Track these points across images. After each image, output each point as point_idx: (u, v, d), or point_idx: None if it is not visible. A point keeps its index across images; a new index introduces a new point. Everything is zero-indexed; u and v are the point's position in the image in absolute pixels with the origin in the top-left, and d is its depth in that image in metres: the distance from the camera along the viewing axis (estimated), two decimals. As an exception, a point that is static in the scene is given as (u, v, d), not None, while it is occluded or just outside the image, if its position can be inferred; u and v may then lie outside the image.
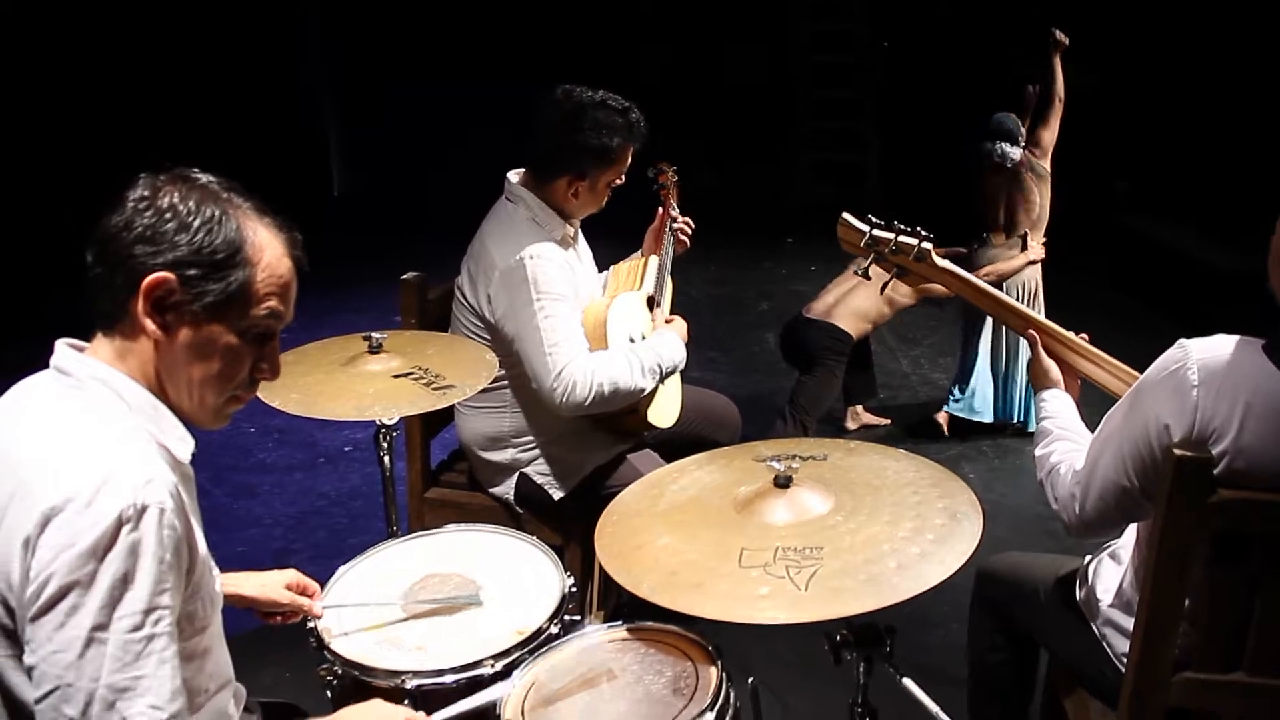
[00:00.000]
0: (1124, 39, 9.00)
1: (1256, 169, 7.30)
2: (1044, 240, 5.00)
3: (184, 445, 1.56)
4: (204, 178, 1.53)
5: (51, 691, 1.33)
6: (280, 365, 1.63)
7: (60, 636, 1.33)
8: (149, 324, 1.46)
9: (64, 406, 1.47)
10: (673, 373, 3.00)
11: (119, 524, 1.34)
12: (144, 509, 1.37)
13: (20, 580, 1.36)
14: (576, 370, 2.73)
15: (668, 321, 3.13)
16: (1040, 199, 4.97)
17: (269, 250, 1.53)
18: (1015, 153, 4.92)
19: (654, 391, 2.94)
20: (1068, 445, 2.16)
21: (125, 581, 1.35)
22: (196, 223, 1.46)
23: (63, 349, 1.53)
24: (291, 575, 2.06)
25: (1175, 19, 8.63)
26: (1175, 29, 8.68)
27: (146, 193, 1.48)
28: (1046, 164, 4.94)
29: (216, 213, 1.48)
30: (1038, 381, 2.35)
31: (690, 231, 3.41)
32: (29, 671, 1.36)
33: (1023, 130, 4.97)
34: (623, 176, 2.96)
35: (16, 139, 7.56)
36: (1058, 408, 2.28)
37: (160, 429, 1.51)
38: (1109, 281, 7.81)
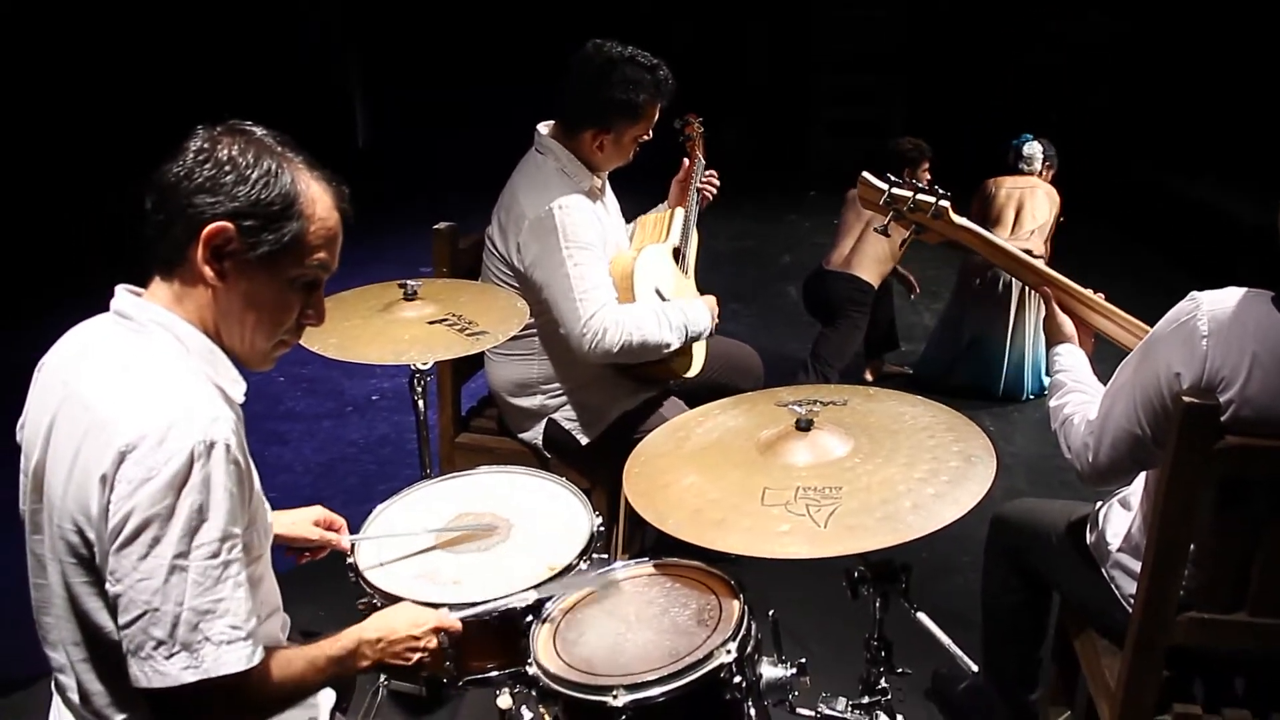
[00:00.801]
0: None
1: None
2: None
3: (237, 387, 1.64)
4: (259, 131, 1.59)
5: (140, 616, 1.43)
6: (325, 312, 1.71)
7: (145, 565, 1.42)
8: (208, 271, 1.53)
9: (129, 349, 1.54)
10: (697, 338, 3.07)
11: (191, 459, 1.43)
12: (212, 445, 1.45)
13: (99, 514, 1.45)
14: (607, 318, 2.80)
15: (701, 298, 3.20)
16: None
17: (320, 203, 1.59)
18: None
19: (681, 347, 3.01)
20: (1081, 397, 2.23)
21: (201, 512, 1.44)
22: (254, 175, 1.53)
23: (123, 294, 1.59)
24: (319, 512, 2.15)
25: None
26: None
27: (205, 144, 1.54)
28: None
29: (273, 166, 1.55)
30: (1052, 336, 2.41)
31: (716, 186, 3.46)
32: (115, 599, 1.45)
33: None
34: (650, 133, 3.01)
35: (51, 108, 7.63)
36: (1071, 362, 2.34)
37: (216, 371, 1.59)
38: (1129, 235, 7.81)
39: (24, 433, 1.63)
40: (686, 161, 3.44)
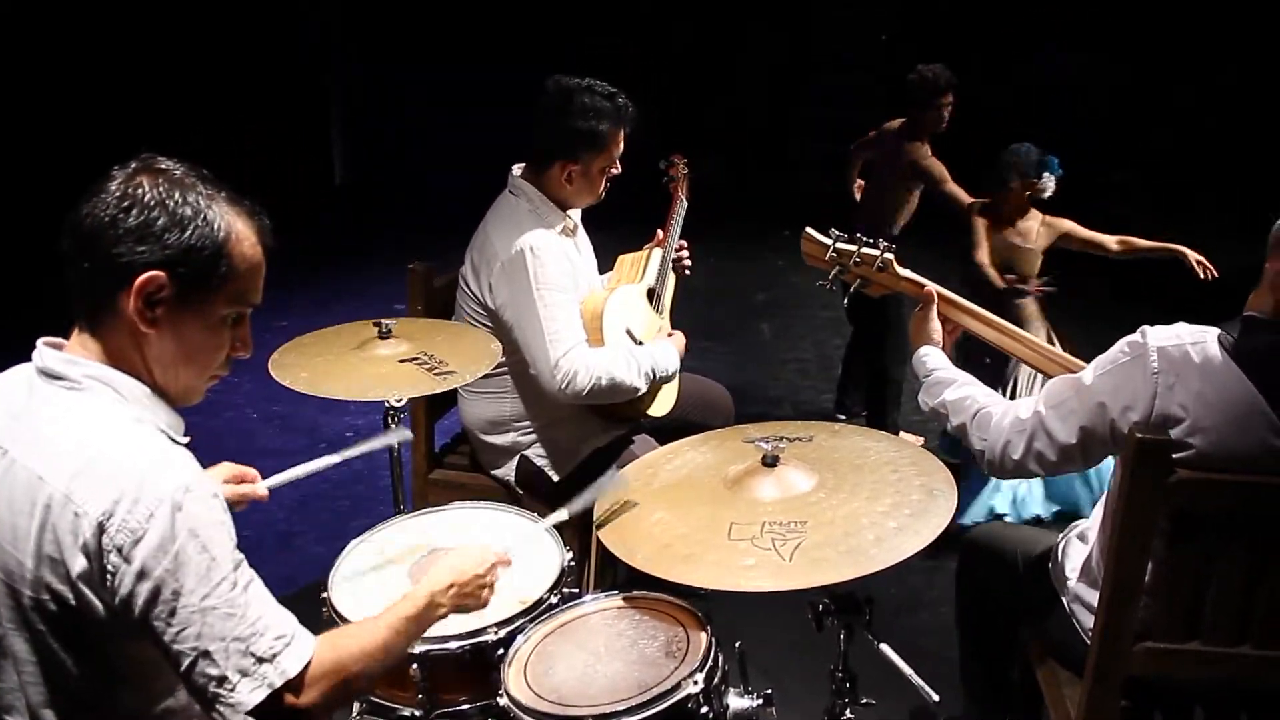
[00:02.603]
0: (1127, 30, 9.10)
1: (1255, 163, 7.42)
2: None
3: (179, 427, 1.62)
4: (179, 169, 1.55)
5: (193, 664, 1.46)
6: (252, 343, 1.69)
7: (177, 619, 1.44)
8: (139, 321, 1.51)
9: (70, 412, 1.51)
10: (667, 380, 3.11)
11: (173, 509, 1.44)
12: (188, 488, 1.46)
13: (95, 582, 1.45)
14: (577, 360, 2.84)
15: (670, 335, 3.24)
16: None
17: (246, 241, 1.57)
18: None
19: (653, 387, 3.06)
20: (982, 392, 2.33)
21: (205, 552, 1.45)
22: (184, 218, 1.50)
23: (46, 351, 1.56)
24: (227, 468, 2.16)
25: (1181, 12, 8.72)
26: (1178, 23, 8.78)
27: (128, 188, 1.50)
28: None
29: (201, 207, 1.52)
30: (919, 338, 2.51)
31: (688, 257, 3.49)
32: (165, 655, 1.47)
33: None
34: (617, 165, 3.04)
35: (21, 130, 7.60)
36: (944, 361, 2.45)
37: (157, 416, 1.57)
38: (1100, 274, 7.89)
39: None
40: (670, 205, 3.47)
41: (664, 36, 11.10)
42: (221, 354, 1.63)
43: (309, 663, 1.53)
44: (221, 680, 1.46)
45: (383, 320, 2.71)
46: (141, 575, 1.43)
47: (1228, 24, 8.76)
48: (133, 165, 1.54)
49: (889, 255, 2.53)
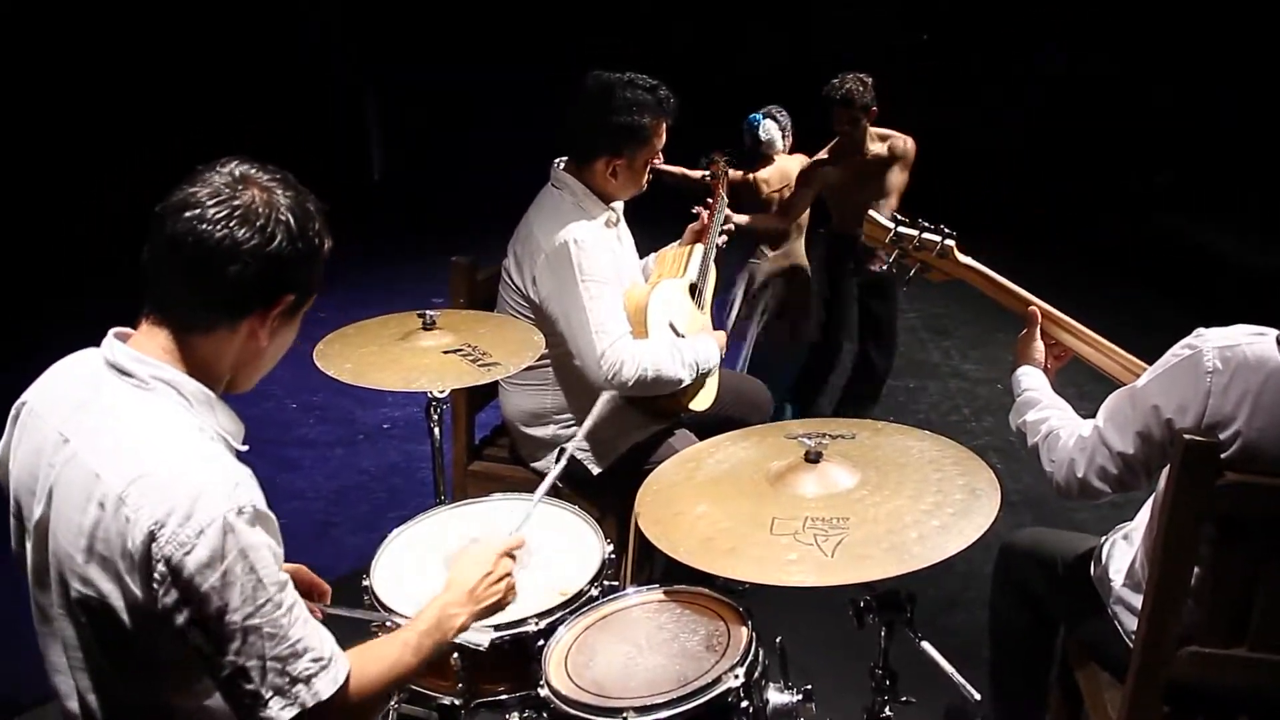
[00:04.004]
0: (1160, 31, 9.04)
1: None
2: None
3: (238, 431, 1.64)
4: (276, 183, 1.58)
5: (230, 676, 1.49)
6: None
7: (219, 635, 1.46)
8: (263, 336, 1.58)
9: (134, 412, 1.52)
10: (707, 373, 3.12)
11: (224, 529, 1.44)
12: (240, 510, 1.47)
13: (139, 589, 1.46)
14: (623, 351, 2.85)
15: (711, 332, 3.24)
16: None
17: (328, 243, 1.64)
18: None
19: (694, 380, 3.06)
20: (1061, 414, 2.31)
21: (252, 572, 1.46)
22: (311, 246, 1.57)
23: (116, 344, 1.57)
24: (300, 572, 2.11)
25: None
26: (1217, 23, 8.71)
27: (251, 210, 1.51)
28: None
29: (321, 235, 1.60)
30: (1021, 357, 2.49)
31: (732, 232, 3.50)
32: (202, 661, 1.49)
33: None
34: (660, 156, 3.05)
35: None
36: (1038, 382, 2.43)
37: (218, 420, 1.59)
38: (1140, 278, 7.85)
39: (11, 477, 1.62)
40: (710, 201, 3.47)
41: (664, 36, 11.12)
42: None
43: (339, 690, 1.55)
44: (255, 696, 1.49)
45: (427, 311, 2.73)
46: (187, 589, 1.44)
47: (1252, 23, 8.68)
48: (236, 173, 1.55)
49: (950, 242, 2.52)
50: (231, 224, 1.49)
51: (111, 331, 1.59)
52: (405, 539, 2.34)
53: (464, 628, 1.84)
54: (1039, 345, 2.47)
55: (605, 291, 2.89)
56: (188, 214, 1.49)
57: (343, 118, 10.19)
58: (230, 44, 8.96)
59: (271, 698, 1.49)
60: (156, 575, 1.44)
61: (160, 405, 1.53)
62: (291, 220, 1.54)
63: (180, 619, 1.46)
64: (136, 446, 1.48)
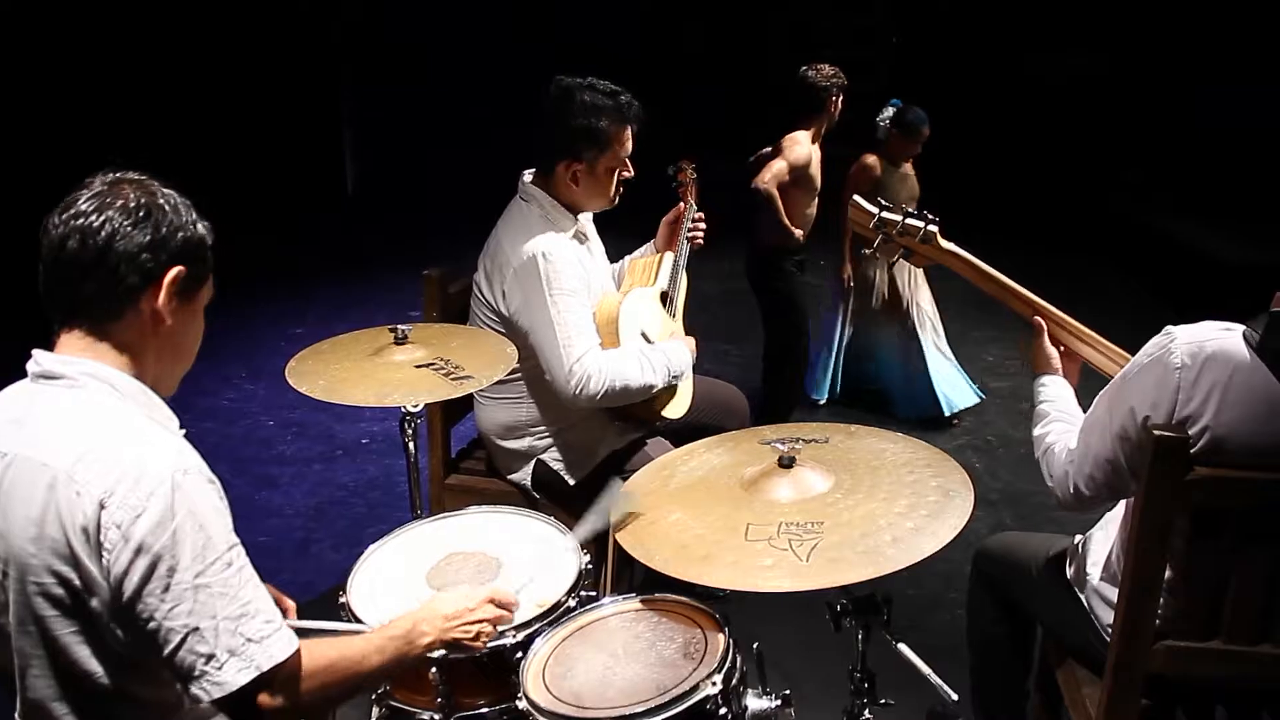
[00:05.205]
0: (1134, 26, 9.10)
1: (1264, 161, 7.40)
2: None
3: (172, 423, 1.68)
4: (145, 178, 1.66)
5: (182, 641, 1.50)
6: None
7: (170, 595, 1.49)
8: (164, 313, 1.62)
9: (70, 404, 1.58)
10: (679, 377, 3.11)
11: (173, 487, 1.50)
12: (186, 470, 1.53)
13: (90, 562, 1.50)
14: (590, 365, 2.84)
15: (687, 335, 3.24)
16: None
17: (211, 234, 1.70)
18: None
19: (667, 387, 3.06)
20: (1063, 426, 2.29)
21: (202, 530, 1.51)
22: (185, 219, 1.64)
23: (42, 356, 1.62)
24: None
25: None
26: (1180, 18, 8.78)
27: (128, 200, 1.60)
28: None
29: (184, 210, 1.65)
30: (1038, 366, 2.47)
31: (704, 229, 3.48)
32: (153, 636, 1.51)
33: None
34: (628, 167, 3.02)
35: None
36: (1056, 392, 2.40)
37: (151, 411, 1.64)
38: (1117, 272, 7.90)
39: None
40: (680, 205, 3.46)
41: (670, 37, 11.14)
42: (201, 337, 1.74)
43: (293, 655, 1.57)
44: (210, 658, 1.51)
45: (398, 326, 2.72)
46: (139, 551, 1.48)
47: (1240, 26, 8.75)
48: (109, 178, 1.63)
49: (933, 228, 2.54)
50: (109, 212, 1.58)
51: (36, 351, 1.64)
52: (381, 555, 2.33)
53: (430, 648, 1.84)
54: (1051, 351, 2.46)
55: (573, 305, 2.88)
56: (67, 214, 1.58)
57: (317, 131, 10.16)
58: (203, 59, 8.91)
59: (227, 660, 1.51)
60: (109, 544, 1.48)
61: (94, 397, 1.58)
62: (165, 202, 1.62)
63: (132, 584, 1.49)
64: (78, 430, 1.55)
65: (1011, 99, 10.33)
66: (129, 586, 1.49)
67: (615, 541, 2.02)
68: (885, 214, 2.55)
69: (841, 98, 4.84)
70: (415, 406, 2.62)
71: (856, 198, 2.60)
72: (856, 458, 2.11)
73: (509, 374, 2.77)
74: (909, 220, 2.55)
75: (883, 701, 2.10)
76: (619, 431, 3.14)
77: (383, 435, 5.28)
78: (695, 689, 1.83)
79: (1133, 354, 2.13)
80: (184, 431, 1.69)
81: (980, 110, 10.25)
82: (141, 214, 1.59)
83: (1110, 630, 2.12)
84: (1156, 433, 1.89)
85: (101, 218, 1.57)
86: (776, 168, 4.77)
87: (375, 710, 2.14)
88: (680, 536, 1.92)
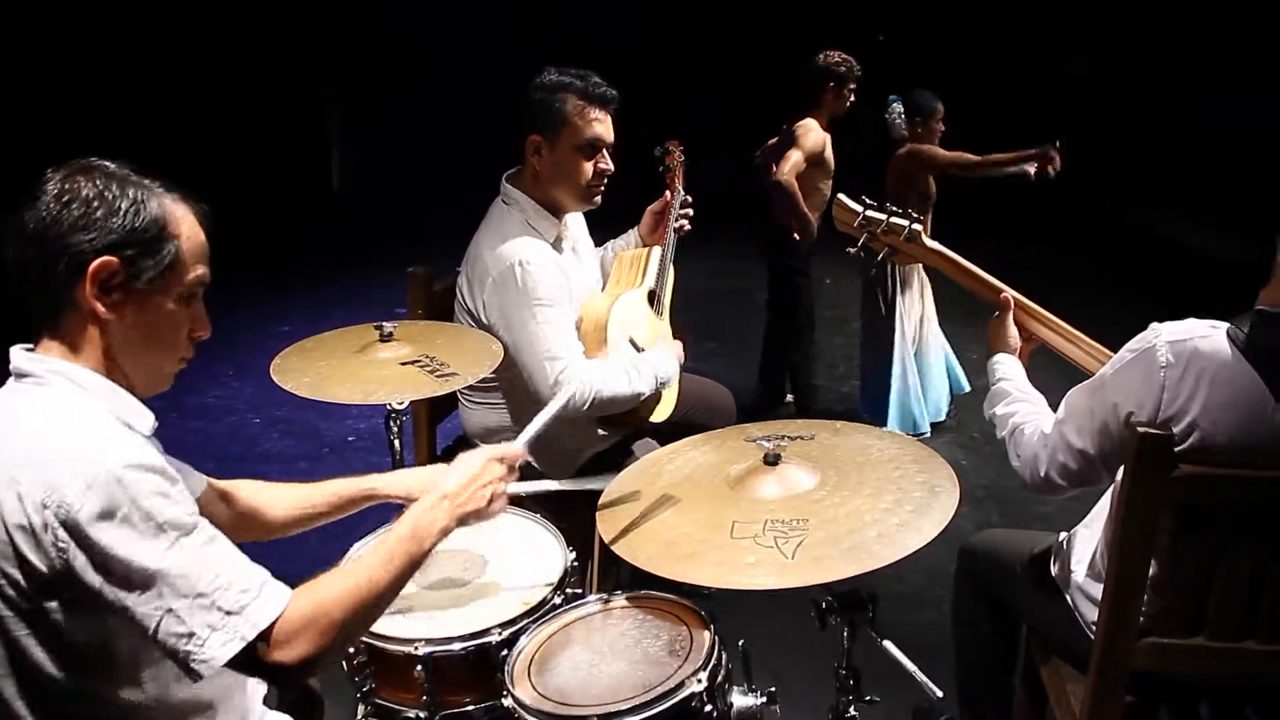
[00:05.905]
0: (1124, 27, 9.12)
1: (1253, 158, 7.42)
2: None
3: (144, 420, 1.65)
4: (111, 165, 1.62)
5: (158, 626, 1.49)
6: (209, 322, 1.73)
7: (134, 584, 1.47)
8: (99, 307, 1.57)
9: (26, 403, 1.57)
10: (665, 384, 3.09)
11: (112, 480, 1.46)
12: (127, 464, 1.49)
13: (41, 563, 1.48)
14: (573, 376, 2.80)
15: (675, 337, 3.23)
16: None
17: (186, 221, 1.64)
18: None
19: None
20: (1029, 407, 2.32)
21: (149, 518, 1.48)
22: (123, 206, 1.57)
23: (18, 353, 1.62)
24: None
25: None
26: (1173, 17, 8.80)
27: (65, 186, 1.57)
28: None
29: (136, 194, 1.59)
30: (996, 344, 2.50)
31: (690, 215, 3.42)
32: (133, 624, 1.49)
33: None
34: (605, 158, 2.96)
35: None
36: (1013, 370, 2.44)
37: (119, 408, 1.61)
38: (1100, 268, 7.92)
39: None
40: (666, 192, 3.41)
41: (665, 34, 11.14)
42: (181, 334, 1.68)
43: (283, 613, 1.54)
44: (190, 637, 1.49)
45: (383, 324, 2.71)
46: (90, 546, 1.46)
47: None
48: (68, 167, 1.60)
49: (917, 226, 2.54)
50: (61, 198, 1.55)
51: (15, 347, 1.63)
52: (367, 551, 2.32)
53: (445, 533, 1.78)
54: (1013, 331, 2.48)
55: (554, 315, 2.85)
56: (28, 209, 1.56)
57: (304, 129, 10.14)
58: (191, 59, 8.89)
59: (209, 636, 1.49)
60: (60, 541, 1.46)
61: (53, 393, 1.57)
62: (103, 189, 1.57)
63: (91, 580, 1.47)
64: (28, 433, 1.52)
65: (1011, 99, 10.34)
66: (90, 582, 1.47)
67: (601, 539, 2.01)
68: (870, 213, 2.55)
69: (855, 86, 4.89)
70: (401, 404, 2.61)
71: (841, 196, 2.60)
72: (842, 454, 2.10)
73: (492, 378, 2.75)
74: (894, 219, 2.55)
75: (868, 698, 2.10)
76: (603, 435, 3.13)
77: (369, 433, 5.27)
78: (680, 686, 1.83)
79: (1114, 350, 2.14)
80: (155, 426, 1.66)
81: (980, 110, 10.26)
82: (71, 202, 1.55)
83: (1095, 627, 2.13)
84: (1141, 430, 1.90)
85: (35, 209, 1.55)
86: (794, 158, 4.76)
87: (361, 709, 2.14)
88: (666, 534, 1.91)
